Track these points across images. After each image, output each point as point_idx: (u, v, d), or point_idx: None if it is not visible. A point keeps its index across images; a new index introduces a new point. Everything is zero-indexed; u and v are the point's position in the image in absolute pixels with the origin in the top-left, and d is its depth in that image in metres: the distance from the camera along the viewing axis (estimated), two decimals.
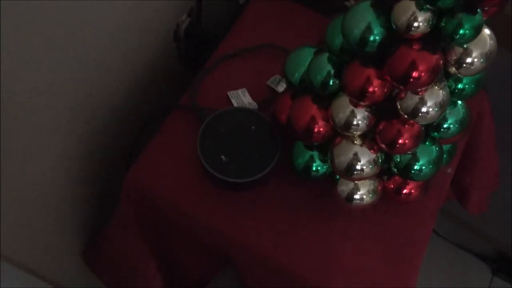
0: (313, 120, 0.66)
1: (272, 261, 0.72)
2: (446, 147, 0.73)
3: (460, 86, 0.60)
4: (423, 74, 0.53)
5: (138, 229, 0.82)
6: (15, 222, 0.81)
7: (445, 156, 0.73)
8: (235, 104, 0.81)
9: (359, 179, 0.67)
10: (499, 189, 1.15)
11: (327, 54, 0.63)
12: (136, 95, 0.94)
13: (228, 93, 0.82)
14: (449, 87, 0.60)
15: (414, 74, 0.53)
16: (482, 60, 0.54)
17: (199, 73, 0.84)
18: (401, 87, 0.55)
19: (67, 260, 1.05)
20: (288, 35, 0.87)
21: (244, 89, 0.83)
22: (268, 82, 0.84)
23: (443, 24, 0.51)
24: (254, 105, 0.81)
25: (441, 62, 0.53)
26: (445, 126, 0.63)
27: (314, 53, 0.66)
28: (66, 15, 0.67)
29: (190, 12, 0.99)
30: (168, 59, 1.00)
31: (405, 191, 0.72)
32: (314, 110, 0.66)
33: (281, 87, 0.82)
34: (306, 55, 0.68)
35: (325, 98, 0.65)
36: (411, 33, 0.51)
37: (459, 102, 0.63)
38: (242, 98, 0.82)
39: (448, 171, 0.75)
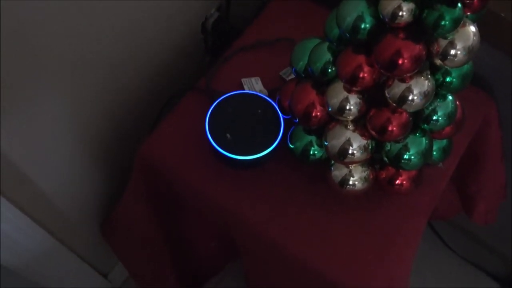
0: (312, 105, 0.71)
1: (265, 236, 0.77)
2: (441, 143, 0.76)
3: (448, 79, 0.64)
4: (406, 61, 0.57)
5: (147, 201, 0.89)
6: (37, 185, 0.88)
7: (440, 152, 0.76)
8: (247, 90, 0.87)
9: (351, 163, 0.72)
10: None
11: (327, 44, 0.68)
12: (162, 78, 1.01)
13: (242, 80, 0.88)
14: (438, 80, 0.64)
15: (399, 60, 0.57)
16: (464, 53, 0.58)
17: (217, 60, 0.90)
18: (387, 73, 0.60)
19: (86, 230, 1.12)
20: (305, 31, 0.91)
21: (257, 78, 0.89)
22: (280, 73, 0.90)
23: (425, 15, 0.55)
24: (265, 92, 0.87)
25: (424, 52, 0.57)
26: (434, 118, 0.67)
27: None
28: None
29: (219, 7, 1.06)
30: (195, 49, 1.07)
31: (397, 182, 0.75)
32: (313, 95, 0.71)
33: None
34: (311, 45, 0.73)
35: (324, 85, 0.70)
36: (396, 21, 0.55)
37: (449, 97, 0.67)
38: (254, 85, 0.88)
39: (439, 165, 0.78)
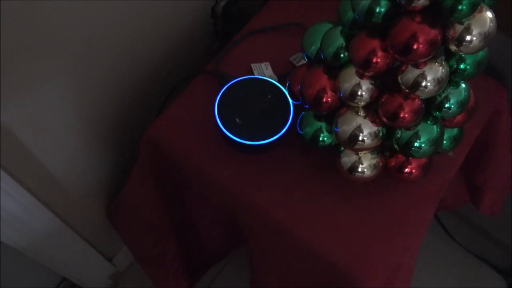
0: (323, 90, 0.70)
1: (271, 219, 0.77)
2: (452, 132, 0.75)
3: (462, 66, 0.63)
4: (421, 45, 0.56)
5: (154, 183, 0.88)
6: (44, 167, 0.88)
7: (450, 141, 0.76)
8: (256, 76, 0.86)
9: (361, 150, 0.71)
10: None
11: (340, 28, 0.67)
12: (170, 62, 1.01)
13: (252, 65, 0.88)
14: (452, 66, 0.63)
15: (414, 45, 0.56)
16: (480, 39, 0.57)
17: (227, 44, 0.90)
18: (401, 58, 0.59)
19: (91, 213, 1.12)
20: (315, 16, 0.91)
21: (267, 63, 0.88)
22: (290, 59, 0.89)
23: None
24: (274, 78, 0.86)
25: (440, 36, 0.57)
26: (446, 105, 0.66)
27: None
28: None
29: None
30: (204, 33, 1.06)
31: (406, 170, 0.74)
32: (324, 80, 0.70)
33: None
34: (323, 30, 0.72)
35: (335, 70, 0.69)
36: (412, 5, 0.55)
37: (462, 84, 0.66)
38: (264, 70, 0.87)
39: (450, 154, 0.77)
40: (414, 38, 0.56)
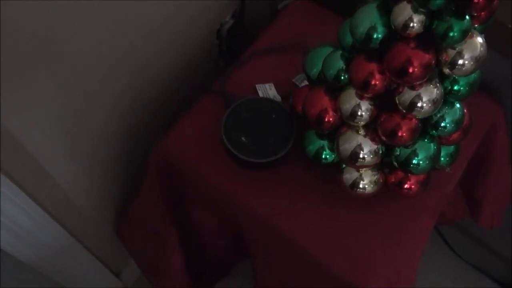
0: (324, 110, 0.74)
1: (275, 229, 0.80)
2: (449, 149, 0.79)
3: (456, 87, 0.66)
4: (416, 69, 0.60)
5: (161, 196, 0.92)
6: (52, 180, 0.91)
7: (447, 157, 0.79)
8: (261, 96, 0.90)
9: (361, 167, 0.74)
10: None
11: (340, 52, 0.71)
12: (179, 80, 1.04)
13: (256, 85, 0.91)
14: (446, 88, 0.67)
15: (409, 68, 0.60)
16: (472, 62, 0.61)
17: (231, 64, 0.94)
18: (398, 80, 0.62)
19: (99, 228, 1.15)
20: (318, 38, 0.95)
21: (271, 84, 0.92)
22: (293, 79, 0.92)
23: (435, 26, 0.58)
24: (278, 98, 0.90)
25: (433, 60, 0.60)
26: (442, 124, 0.69)
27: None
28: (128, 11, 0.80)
29: (234, 14, 1.09)
30: (209, 53, 1.10)
31: (406, 186, 0.77)
32: (326, 101, 0.74)
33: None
34: (324, 53, 0.76)
35: (336, 91, 0.73)
36: (407, 32, 0.58)
37: (457, 104, 0.70)
38: (268, 91, 0.91)
39: (447, 170, 0.81)
40: (409, 62, 0.60)
